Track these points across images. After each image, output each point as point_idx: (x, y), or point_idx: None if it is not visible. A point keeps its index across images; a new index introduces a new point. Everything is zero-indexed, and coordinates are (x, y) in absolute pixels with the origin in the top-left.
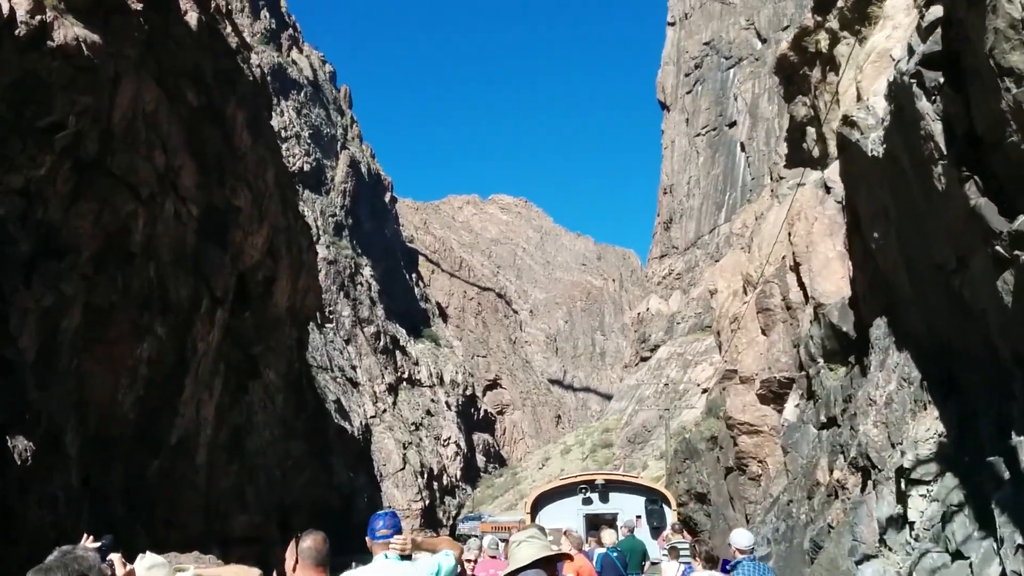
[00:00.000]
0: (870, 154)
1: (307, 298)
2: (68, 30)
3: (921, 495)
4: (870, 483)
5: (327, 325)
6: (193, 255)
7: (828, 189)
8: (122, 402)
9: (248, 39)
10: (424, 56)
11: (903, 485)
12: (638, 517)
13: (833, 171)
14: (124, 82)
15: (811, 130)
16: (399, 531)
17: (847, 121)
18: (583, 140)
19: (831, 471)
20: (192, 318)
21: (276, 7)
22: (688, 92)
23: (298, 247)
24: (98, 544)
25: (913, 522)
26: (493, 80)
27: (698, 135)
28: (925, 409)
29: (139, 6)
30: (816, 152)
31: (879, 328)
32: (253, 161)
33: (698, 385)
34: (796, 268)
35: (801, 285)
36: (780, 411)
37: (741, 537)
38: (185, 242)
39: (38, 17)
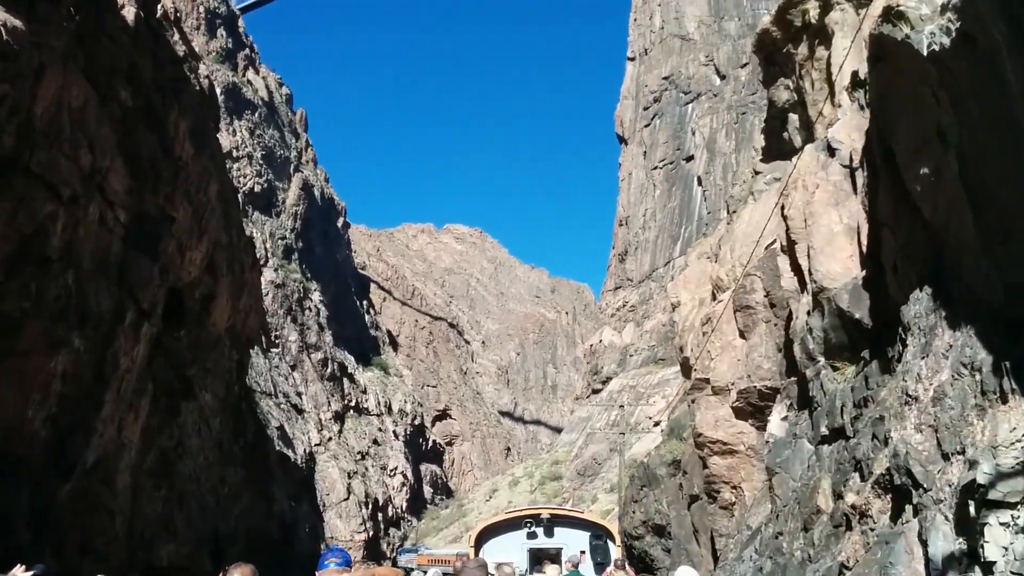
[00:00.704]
0: (926, 51)
1: (249, 319)
2: None
3: (1003, 523)
4: (909, 508)
5: (273, 350)
6: (119, 264)
7: (832, 151)
8: (32, 419)
9: (203, 56)
10: (383, 85)
11: (972, 509)
12: (582, 552)
13: (839, 130)
14: (48, 74)
15: (794, 116)
16: (349, 565)
17: (890, 15)
18: (540, 173)
19: (838, 495)
20: (114, 331)
21: (233, 27)
22: (646, 125)
23: (240, 266)
24: (31, 573)
25: (992, 562)
26: (451, 110)
27: (655, 168)
28: (1004, 402)
29: None
30: (799, 141)
31: (920, 303)
32: (195, 173)
33: (650, 418)
34: (791, 248)
35: (796, 269)
36: (760, 427)
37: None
38: (110, 250)
39: None
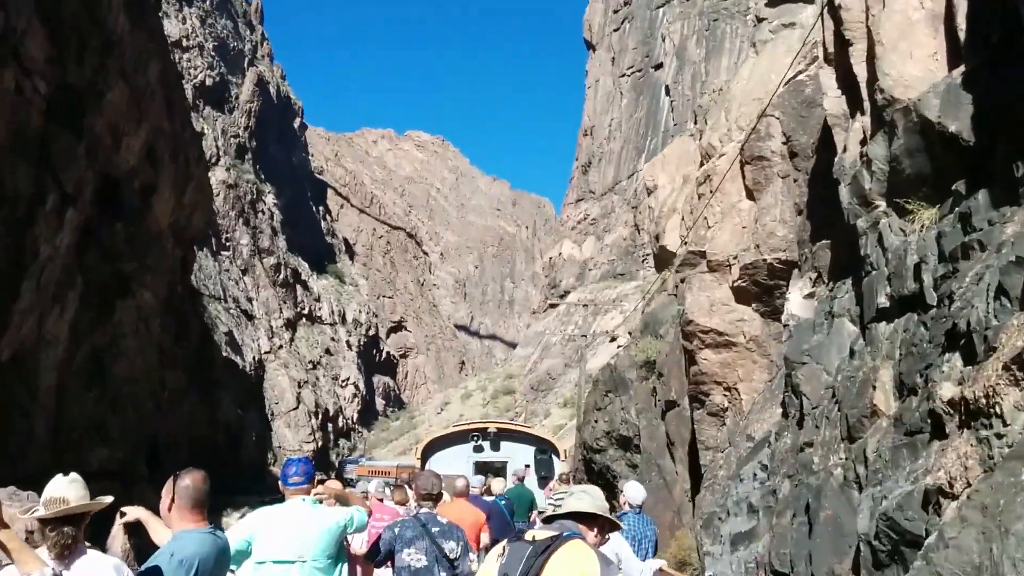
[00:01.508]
0: None
1: (194, 216)
2: None
3: None
4: None
5: (223, 253)
6: (39, 141)
7: None
8: None
9: None
10: None
11: None
12: (527, 466)
13: None
14: None
15: None
16: (311, 478)
17: None
18: (505, 81)
19: (910, 390)
20: (33, 214)
21: None
22: (616, 30)
23: (186, 158)
24: None
25: None
26: (414, 13)
27: (623, 75)
28: None
29: None
30: None
31: None
32: (132, 50)
33: (607, 332)
34: (841, 55)
35: (849, 82)
36: (767, 313)
37: (635, 491)
38: (28, 124)
39: None
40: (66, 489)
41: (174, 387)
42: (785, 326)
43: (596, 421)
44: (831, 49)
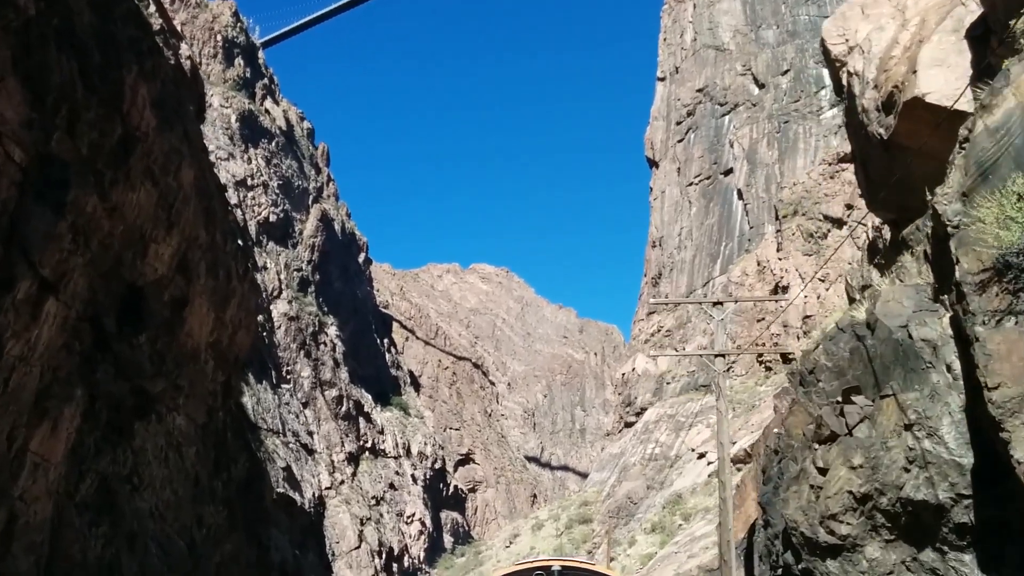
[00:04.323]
0: None
1: (238, 336)
2: None
3: None
4: None
5: (283, 385)
6: (8, 216)
7: None
8: None
9: (220, 85)
10: (408, 124)
11: None
12: None
13: None
14: None
15: None
16: None
17: None
18: (568, 211)
19: None
20: None
21: (253, 57)
22: (680, 141)
23: (227, 273)
24: None
25: None
26: (477, 150)
27: (690, 184)
28: None
29: None
30: None
31: None
32: (160, 150)
33: (693, 450)
34: None
35: None
36: None
37: None
38: None
39: None
40: None
41: (212, 524)
42: None
43: (814, 475)
44: None
